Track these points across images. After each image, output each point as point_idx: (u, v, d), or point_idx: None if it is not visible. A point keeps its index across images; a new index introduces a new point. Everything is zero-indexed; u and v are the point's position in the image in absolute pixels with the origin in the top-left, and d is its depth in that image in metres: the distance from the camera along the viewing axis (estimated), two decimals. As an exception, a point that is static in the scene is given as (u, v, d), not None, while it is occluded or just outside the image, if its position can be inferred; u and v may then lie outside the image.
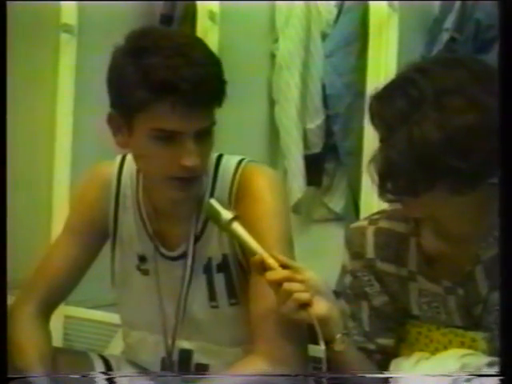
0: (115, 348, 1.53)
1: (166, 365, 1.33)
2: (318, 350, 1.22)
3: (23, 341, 1.27)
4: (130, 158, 1.34)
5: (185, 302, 1.29)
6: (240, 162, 1.28)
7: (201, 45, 1.22)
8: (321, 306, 1.11)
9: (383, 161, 1.09)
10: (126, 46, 1.19)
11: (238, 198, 1.25)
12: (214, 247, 1.27)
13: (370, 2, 2.08)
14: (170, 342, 1.31)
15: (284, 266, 1.13)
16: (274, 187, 1.26)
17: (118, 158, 1.36)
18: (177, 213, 1.29)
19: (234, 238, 1.18)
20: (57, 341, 2.19)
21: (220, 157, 1.30)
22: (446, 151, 1.05)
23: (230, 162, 1.28)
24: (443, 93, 1.07)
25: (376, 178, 1.10)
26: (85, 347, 2.08)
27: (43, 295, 1.35)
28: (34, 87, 2.24)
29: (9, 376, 1.10)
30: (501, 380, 1.00)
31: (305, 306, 1.11)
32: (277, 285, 1.12)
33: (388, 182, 1.09)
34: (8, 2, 1.14)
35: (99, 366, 1.37)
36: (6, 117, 1.15)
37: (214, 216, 1.18)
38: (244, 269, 1.26)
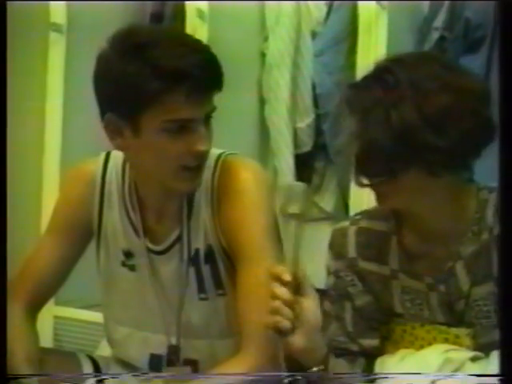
0: (105, 348, 1.53)
1: (153, 361, 1.32)
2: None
3: (10, 341, 1.27)
4: (114, 154, 1.34)
5: (177, 296, 1.28)
6: (220, 155, 1.28)
7: (191, 35, 1.27)
8: (298, 339, 1.09)
9: (361, 143, 1.11)
10: (116, 47, 1.19)
11: (221, 192, 1.25)
12: (201, 238, 1.27)
13: (359, 0, 2.08)
14: (156, 337, 1.31)
15: (296, 285, 1.09)
16: (257, 179, 1.26)
17: (102, 155, 1.35)
18: (166, 207, 1.29)
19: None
20: (46, 341, 2.19)
21: None
22: (422, 129, 1.09)
23: (210, 155, 1.28)
24: (417, 79, 1.11)
25: (353, 160, 1.12)
26: (74, 347, 2.08)
27: (29, 295, 1.35)
28: (23, 86, 2.23)
29: (8, 376, 1.09)
30: (501, 380, 1.00)
31: (283, 332, 1.08)
32: (272, 297, 1.10)
33: (365, 164, 1.12)
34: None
35: (87, 367, 1.36)
36: (6, 117, 1.15)
37: None
38: (230, 259, 1.26)
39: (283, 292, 1.09)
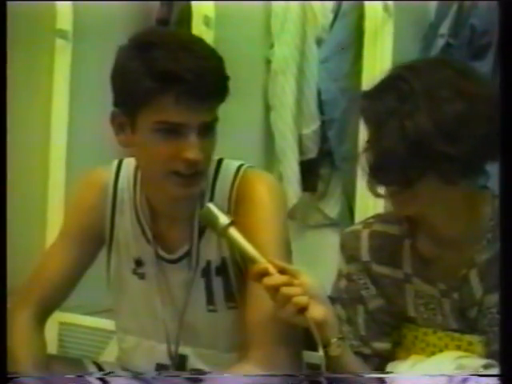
0: (110, 354, 1.53)
1: (159, 370, 1.32)
2: (313, 356, 1.22)
3: (18, 347, 1.27)
4: (126, 162, 1.34)
5: (183, 306, 1.28)
6: (240, 166, 1.29)
7: (203, 42, 1.25)
8: (318, 310, 1.11)
9: (376, 152, 1.12)
10: (129, 44, 1.22)
11: (237, 202, 1.25)
12: (213, 250, 1.27)
13: (366, 6, 2.08)
14: (165, 347, 1.31)
15: (281, 271, 1.13)
16: (273, 193, 1.27)
17: (115, 163, 1.36)
18: (176, 214, 1.29)
19: (231, 243, 1.18)
20: (52, 347, 2.18)
21: (220, 160, 1.30)
22: (438, 138, 1.09)
23: (229, 166, 1.29)
24: (431, 86, 1.11)
25: (368, 169, 1.12)
26: (80, 354, 2.08)
27: (39, 301, 1.34)
28: (29, 92, 2.24)
29: (8, 376, 1.09)
30: (501, 380, 0.99)
31: (303, 310, 1.11)
32: (274, 290, 1.12)
33: (380, 173, 1.12)
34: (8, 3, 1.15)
35: (95, 381, 1.35)
36: (5, 117, 1.15)
37: (212, 220, 1.18)
38: (242, 272, 1.26)
39: (280, 278, 1.11)
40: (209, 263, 1.28)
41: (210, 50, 1.23)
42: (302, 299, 1.10)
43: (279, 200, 1.28)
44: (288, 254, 1.26)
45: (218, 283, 1.27)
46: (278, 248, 1.21)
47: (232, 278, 1.27)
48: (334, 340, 1.12)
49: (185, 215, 1.28)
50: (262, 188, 1.26)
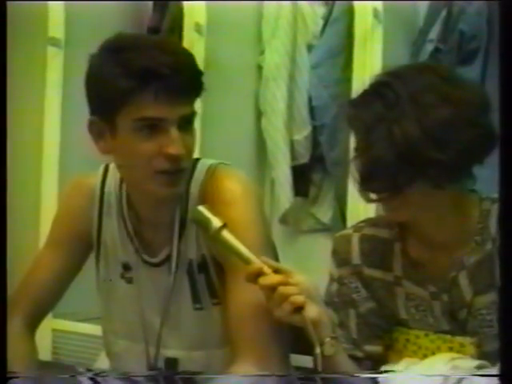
0: (103, 361, 1.53)
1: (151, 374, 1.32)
2: (303, 360, 1.23)
3: (8, 353, 1.27)
4: (113, 166, 1.34)
5: (169, 307, 1.28)
6: (211, 165, 1.29)
7: (173, 41, 1.31)
8: (313, 309, 1.12)
9: (364, 160, 1.12)
10: (101, 50, 1.22)
11: (208, 201, 1.24)
12: (193, 248, 1.27)
13: (356, 13, 2.10)
14: (154, 350, 1.31)
15: (276, 271, 1.14)
16: (244, 190, 1.26)
17: (101, 168, 1.36)
18: (158, 217, 1.29)
19: (224, 245, 1.18)
20: (45, 354, 2.19)
21: (197, 160, 1.30)
22: (425, 144, 1.09)
23: (202, 165, 1.28)
24: (416, 92, 1.12)
25: (358, 177, 1.13)
26: (73, 360, 2.08)
27: (29, 309, 1.34)
28: (21, 100, 2.24)
29: (8, 376, 1.09)
30: (501, 380, 1.00)
31: (299, 309, 1.11)
32: (270, 290, 1.12)
33: (370, 180, 1.13)
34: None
35: (86, 381, 1.36)
36: (6, 117, 1.15)
37: (203, 223, 1.17)
38: (222, 268, 1.26)
39: (276, 278, 1.11)
40: (191, 262, 1.27)
41: (181, 47, 1.26)
42: (299, 298, 1.11)
43: (251, 197, 1.27)
44: (270, 252, 1.25)
45: (201, 280, 1.27)
46: (256, 246, 1.19)
47: (213, 273, 1.27)
48: (327, 339, 1.12)
49: (165, 218, 1.28)
50: (232, 186, 1.25)
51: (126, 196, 1.32)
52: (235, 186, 1.25)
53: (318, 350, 1.10)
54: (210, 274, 1.27)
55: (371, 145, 1.11)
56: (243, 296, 1.17)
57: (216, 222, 1.16)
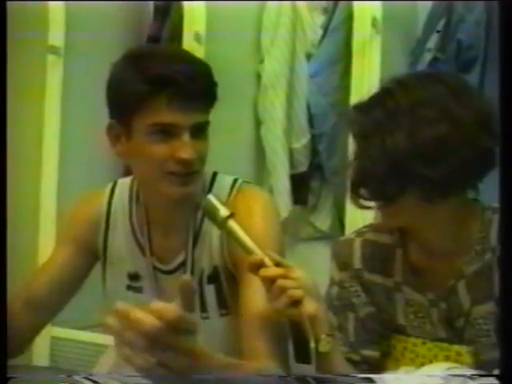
0: (101, 368, 1.53)
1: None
2: (298, 368, 1.23)
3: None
4: (121, 182, 1.38)
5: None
6: (235, 181, 1.32)
7: (191, 53, 1.34)
8: (310, 305, 1.12)
9: (356, 167, 1.13)
10: (123, 58, 1.28)
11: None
12: (206, 259, 1.29)
13: (354, 22, 2.11)
14: None
15: (277, 265, 1.15)
16: (269, 210, 1.30)
17: (110, 185, 1.39)
18: (172, 221, 1.31)
19: (230, 234, 1.17)
20: (43, 361, 2.18)
21: (215, 174, 1.33)
22: (416, 159, 1.09)
23: (225, 180, 1.32)
24: (418, 104, 1.11)
25: (349, 183, 1.14)
26: (71, 368, 2.07)
27: (29, 317, 1.34)
28: (20, 108, 2.25)
29: (8, 376, 1.09)
30: (501, 380, 1.00)
31: (296, 303, 1.12)
32: (270, 282, 1.13)
33: (360, 188, 1.13)
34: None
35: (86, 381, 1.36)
36: (5, 125, 1.16)
37: (211, 212, 1.18)
38: (234, 279, 1.27)
39: (277, 270, 1.11)
40: (202, 272, 1.29)
41: (198, 58, 1.31)
42: (297, 292, 1.11)
43: (275, 217, 1.31)
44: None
45: (210, 291, 1.29)
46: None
47: (224, 285, 1.29)
48: (323, 336, 1.13)
49: (180, 223, 1.30)
50: (258, 204, 1.28)
51: (136, 206, 1.34)
52: (261, 204, 1.29)
53: (312, 345, 1.10)
54: (221, 286, 1.29)
55: (364, 152, 1.12)
56: (255, 306, 1.18)
57: (224, 211, 1.16)
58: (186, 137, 1.22)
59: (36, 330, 1.38)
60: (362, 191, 1.14)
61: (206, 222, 1.28)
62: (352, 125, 1.16)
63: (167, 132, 1.22)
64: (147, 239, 1.32)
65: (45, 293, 1.36)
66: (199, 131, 1.24)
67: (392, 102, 1.12)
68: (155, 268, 1.32)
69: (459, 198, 1.16)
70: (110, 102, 1.28)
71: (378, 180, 1.10)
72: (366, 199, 1.15)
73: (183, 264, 1.30)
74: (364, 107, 1.16)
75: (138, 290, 1.34)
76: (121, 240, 1.34)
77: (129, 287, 1.34)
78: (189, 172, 1.23)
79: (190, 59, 1.27)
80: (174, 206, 1.29)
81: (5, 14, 1.17)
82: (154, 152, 1.23)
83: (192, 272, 1.29)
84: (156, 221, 1.32)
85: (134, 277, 1.34)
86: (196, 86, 1.21)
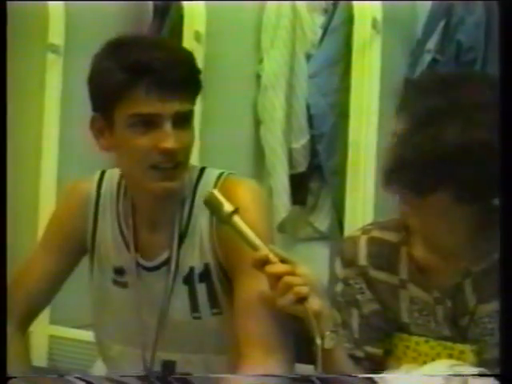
0: (100, 367, 1.53)
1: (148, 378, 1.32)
2: (302, 368, 1.23)
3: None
4: (109, 172, 1.35)
5: (166, 313, 1.28)
6: (220, 174, 1.29)
7: (173, 41, 1.33)
8: (315, 301, 1.12)
9: (397, 153, 1.10)
10: (103, 48, 1.25)
11: None
12: (196, 256, 1.27)
13: (355, 23, 2.11)
14: (150, 354, 1.31)
15: (282, 261, 1.14)
16: (256, 199, 1.27)
17: (97, 173, 1.36)
18: (157, 217, 1.29)
19: (235, 230, 1.17)
20: (41, 360, 2.18)
21: (203, 169, 1.31)
22: (462, 158, 1.07)
23: (210, 174, 1.29)
24: (478, 105, 1.09)
25: (384, 168, 1.11)
26: (69, 367, 2.08)
27: (20, 310, 1.34)
28: (20, 107, 2.25)
29: (8, 375, 1.09)
30: (501, 380, 1.00)
31: (302, 300, 1.12)
32: (275, 278, 1.13)
33: (395, 174, 1.10)
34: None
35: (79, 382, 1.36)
36: (5, 123, 1.16)
37: (215, 207, 1.17)
38: (227, 277, 1.26)
39: (283, 267, 1.11)
40: (192, 270, 1.27)
41: (179, 45, 1.30)
42: (303, 289, 1.11)
43: (262, 204, 1.28)
44: None
45: (201, 290, 1.27)
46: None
47: (216, 284, 1.27)
48: (328, 333, 1.12)
49: (166, 219, 1.27)
50: (244, 194, 1.25)
51: (123, 199, 1.32)
52: (247, 193, 1.26)
53: (318, 341, 1.10)
54: (213, 284, 1.27)
55: (410, 138, 1.08)
56: (250, 301, 1.18)
57: (228, 207, 1.16)
58: (168, 126, 1.19)
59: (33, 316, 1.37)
60: (397, 178, 1.10)
61: (194, 218, 1.26)
62: (411, 104, 1.12)
63: (148, 122, 1.19)
64: (132, 234, 1.30)
65: (33, 299, 1.34)
66: (182, 121, 1.21)
67: (455, 94, 1.09)
68: (138, 264, 1.30)
69: (487, 203, 1.15)
70: (92, 95, 1.24)
71: (418, 171, 1.08)
72: (399, 187, 1.12)
73: (167, 261, 1.28)
74: (424, 89, 1.12)
75: (124, 284, 1.31)
76: (109, 232, 1.32)
77: (114, 282, 1.32)
78: (173, 164, 1.21)
79: (169, 47, 1.23)
80: (160, 202, 1.26)
81: (5, 14, 1.18)
82: (136, 144, 1.20)
83: (176, 270, 1.27)
84: (142, 216, 1.30)
85: (119, 271, 1.31)
86: (176, 73, 1.18)
